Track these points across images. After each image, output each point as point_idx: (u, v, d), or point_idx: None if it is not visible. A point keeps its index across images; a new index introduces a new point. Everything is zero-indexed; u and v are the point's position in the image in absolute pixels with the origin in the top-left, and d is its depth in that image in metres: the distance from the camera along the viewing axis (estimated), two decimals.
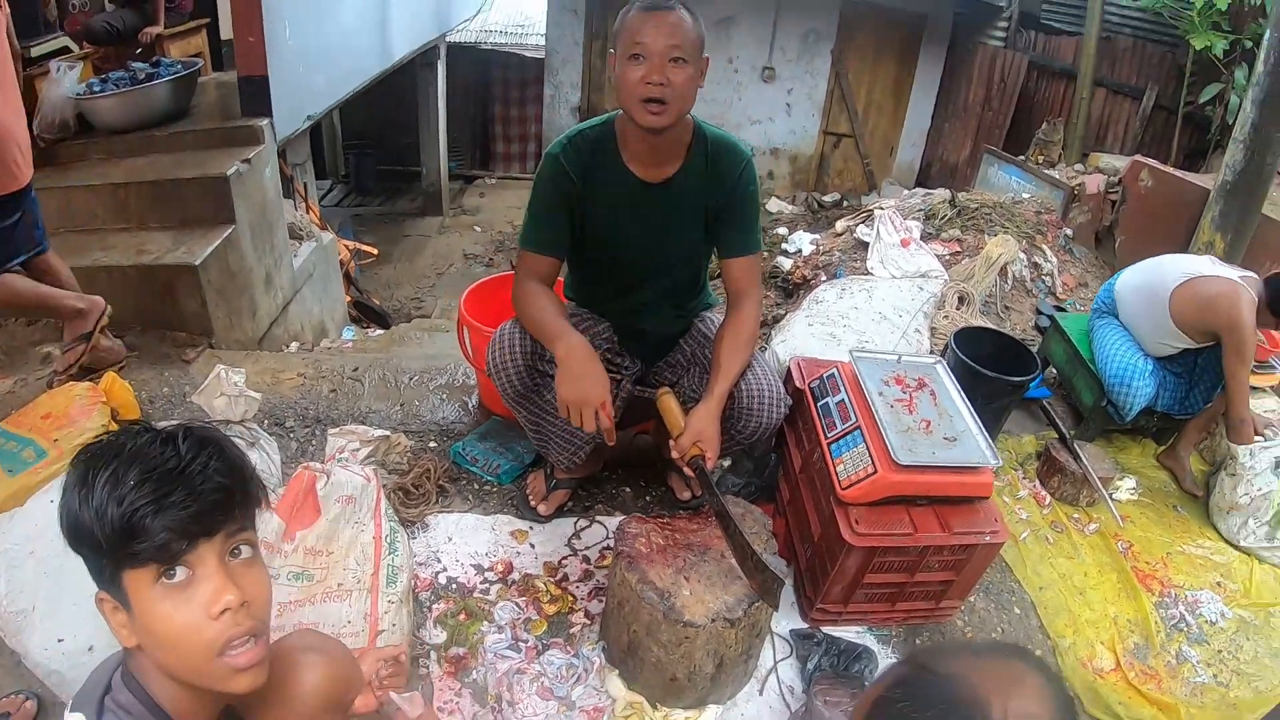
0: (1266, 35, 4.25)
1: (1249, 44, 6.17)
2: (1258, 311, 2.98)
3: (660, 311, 2.31)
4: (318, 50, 4.91)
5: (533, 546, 2.43)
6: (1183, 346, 3.20)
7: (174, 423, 1.08)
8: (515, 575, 2.32)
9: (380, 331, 5.33)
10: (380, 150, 10.77)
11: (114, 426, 2.71)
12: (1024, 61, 7.98)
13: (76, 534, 1.01)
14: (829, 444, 2.20)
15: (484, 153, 11.55)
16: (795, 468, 2.43)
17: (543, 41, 9.54)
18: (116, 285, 3.35)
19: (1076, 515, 3.05)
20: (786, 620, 2.27)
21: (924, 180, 9.14)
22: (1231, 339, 2.96)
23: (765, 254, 6.14)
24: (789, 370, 2.58)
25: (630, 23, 1.86)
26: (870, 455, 2.08)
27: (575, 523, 2.52)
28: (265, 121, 4.15)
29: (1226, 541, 3.05)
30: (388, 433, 2.57)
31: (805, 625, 2.29)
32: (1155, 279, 3.25)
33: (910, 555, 2.11)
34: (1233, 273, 3.11)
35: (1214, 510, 3.13)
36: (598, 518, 2.56)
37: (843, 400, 2.26)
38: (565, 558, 2.40)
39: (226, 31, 5.53)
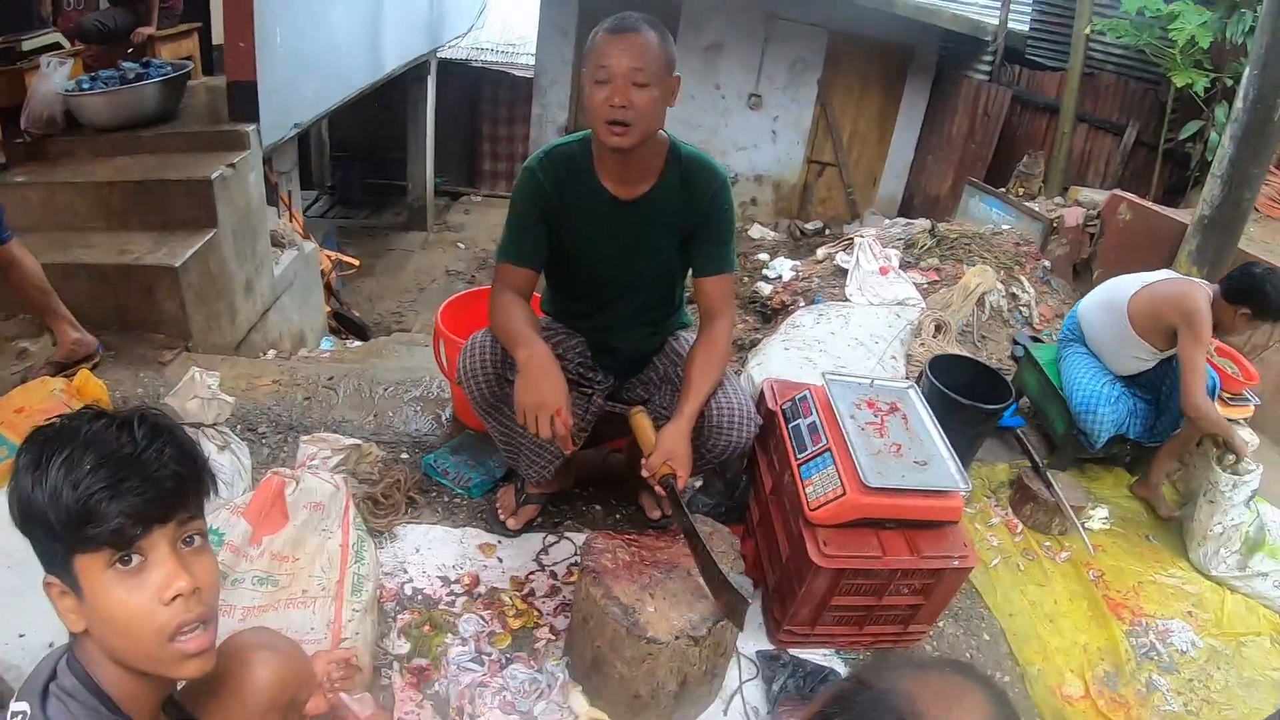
0: (1245, 73, 4.33)
1: (1230, 82, 6.24)
2: (1213, 303, 3.05)
3: (633, 328, 2.32)
4: (308, 58, 4.90)
5: (500, 560, 2.41)
6: (1148, 359, 3.25)
7: (129, 408, 1.08)
8: (481, 588, 2.30)
9: (359, 343, 5.30)
10: (367, 163, 10.71)
11: None
12: (1008, 95, 8.07)
13: (28, 516, 1.00)
14: (799, 465, 2.20)
15: (470, 170, 11.53)
16: (766, 489, 2.43)
17: (533, 61, 9.59)
18: (96, 284, 3.36)
19: (1048, 543, 3.06)
20: (753, 641, 2.27)
21: (906, 211, 9.20)
22: (1186, 325, 3.03)
23: (746, 279, 6.17)
24: (762, 391, 2.59)
25: (597, 44, 1.88)
26: (840, 477, 2.09)
27: (544, 538, 2.51)
28: (252, 127, 4.14)
29: (1198, 571, 3.07)
30: (359, 442, 2.56)
31: (772, 647, 2.28)
32: (1114, 293, 3.33)
33: (878, 578, 2.12)
34: (1190, 278, 3.22)
35: (1188, 536, 3.15)
36: (566, 534, 2.55)
37: (814, 422, 2.27)
38: (532, 573, 2.39)
39: (219, 35, 5.52)
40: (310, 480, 2.15)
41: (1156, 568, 3.07)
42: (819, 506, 2.08)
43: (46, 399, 2.67)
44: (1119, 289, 3.33)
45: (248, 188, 4.06)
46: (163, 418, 1.07)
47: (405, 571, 2.31)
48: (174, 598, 1.01)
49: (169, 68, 4.31)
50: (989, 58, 8.40)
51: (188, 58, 5.36)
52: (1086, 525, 3.13)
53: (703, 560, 1.90)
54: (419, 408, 3.08)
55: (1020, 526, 3.13)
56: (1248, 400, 3.57)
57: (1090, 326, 3.46)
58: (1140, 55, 7.10)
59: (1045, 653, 2.56)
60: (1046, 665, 2.52)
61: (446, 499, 2.61)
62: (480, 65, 10.51)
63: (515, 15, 13.03)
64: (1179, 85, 6.37)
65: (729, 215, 2.17)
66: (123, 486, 0.97)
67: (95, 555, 0.99)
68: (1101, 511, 3.25)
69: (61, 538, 0.98)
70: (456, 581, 2.31)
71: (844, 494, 2.05)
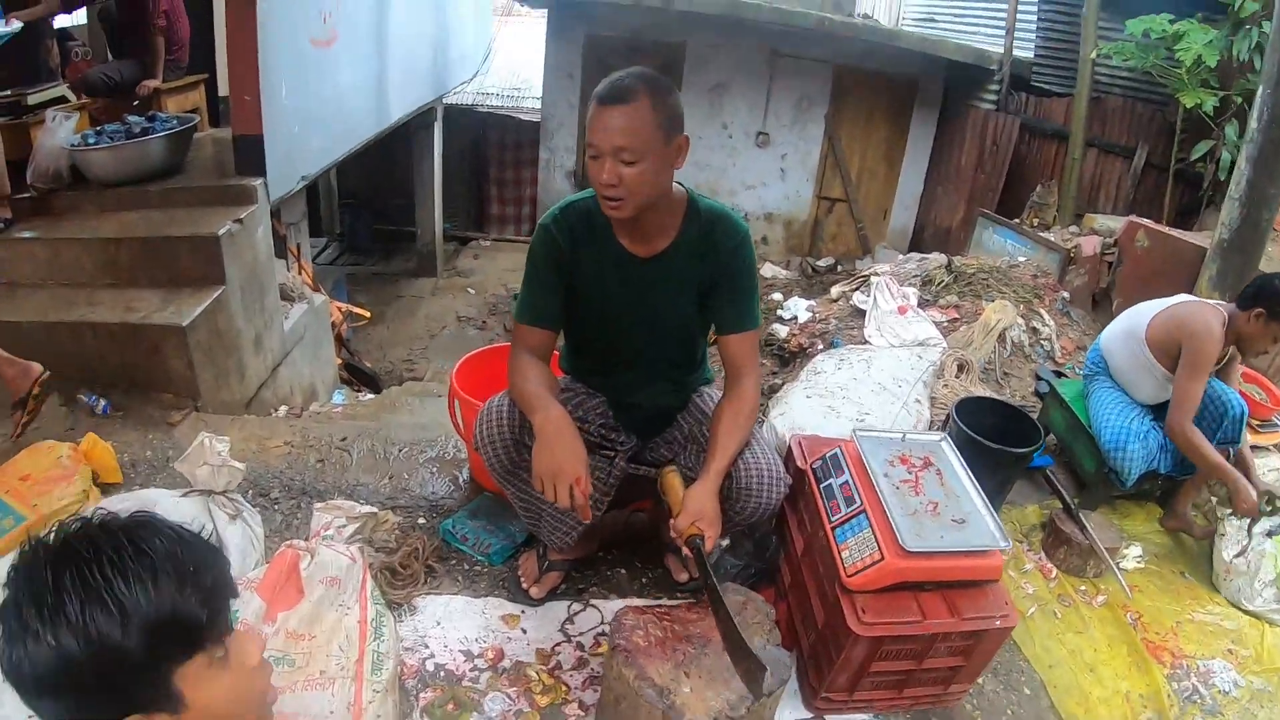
0: (1260, 93, 4.27)
1: (1239, 99, 6.23)
2: (1231, 321, 3.01)
3: (655, 386, 2.26)
4: (314, 111, 4.89)
5: (524, 632, 2.32)
6: (1168, 384, 3.17)
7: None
8: (506, 662, 2.22)
9: (371, 396, 5.26)
10: (375, 209, 10.79)
11: (94, 491, 2.64)
12: (1016, 124, 8.04)
13: (101, 662, 0.93)
14: (833, 528, 2.12)
15: (479, 214, 11.58)
16: (797, 550, 2.34)
17: (539, 104, 9.63)
18: (103, 342, 3.32)
19: (1084, 587, 2.97)
20: (789, 709, 2.17)
21: (917, 244, 9.17)
22: (1186, 346, 2.98)
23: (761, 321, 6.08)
24: (790, 448, 2.51)
25: (590, 115, 1.85)
26: (877, 541, 2.00)
27: (569, 606, 2.42)
28: (259, 181, 4.12)
29: (1234, 605, 2.98)
30: (375, 509, 2.49)
31: (809, 714, 2.19)
32: (1133, 320, 3.29)
33: (918, 642, 2.02)
34: (1208, 300, 3.17)
35: (1216, 576, 3.07)
36: (592, 601, 2.46)
37: (846, 482, 2.19)
38: (558, 644, 2.30)
39: (224, 87, 5.55)
40: (326, 553, 2.09)
41: (1194, 605, 2.97)
42: (856, 573, 1.99)
43: (53, 466, 2.63)
44: (1138, 316, 3.29)
45: (255, 243, 4.03)
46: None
47: (426, 646, 2.23)
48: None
49: (175, 121, 4.31)
50: (995, 86, 8.38)
51: (194, 110, 5.38)
52: (1121, 565, 3.04)
53: (724, 625, 1.82)
54: (435, 469, 3.01)
55: (1054, 571, 3.03)
56: (1277, 425, 3.51)
57: (1113, 357, 3.40)
58: (1147, 77, 7.07)
59: (1088, 704, 2.45)
60: (1089, 718, 2.42)
61: (466, 567, 2.53)
62: (486, 110, 10.56)
63: (519, 59, 13.17)
64: (1188, 106, 6.32)
65: (751, 270, 2.11)
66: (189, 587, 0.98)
67: (197, 658, 1.00)
68: (1135, 550, 3.17)
69: (153, 663, 0.96)
70: (480, 655, 2.22)
71: (882, 559, 1.97)
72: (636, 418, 2.29)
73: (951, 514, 2.12)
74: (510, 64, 12.82)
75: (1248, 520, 3.02)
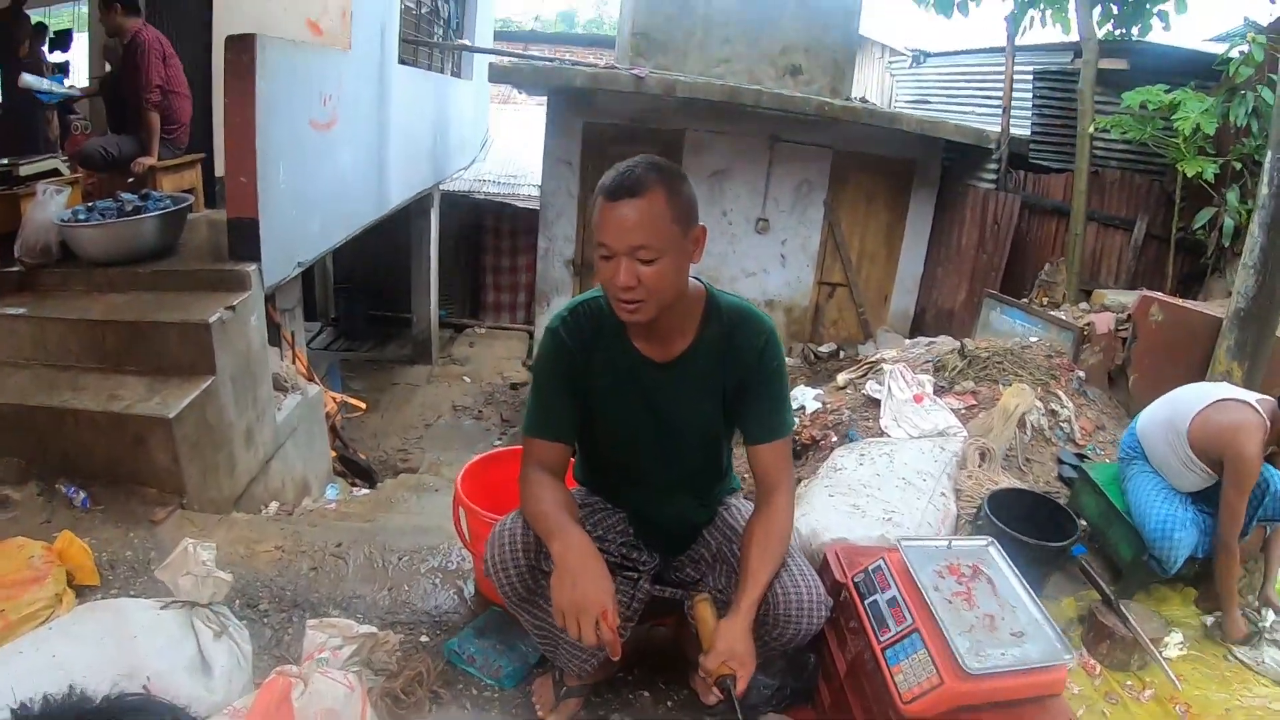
0: (1269, 157, 4.22)
1: (1238, 165, 6.26)
2: (1274, 420, 2.96)
3: (678, 500, 2.08)
4: (312, 195, 4.82)
5: None
6: (1210, 478, 3.10)
7: None
8: None
9: (366, 491, 5.05)
10: (371, 294, 10.78)
11: (69, 594, 2.45)
12: (1017, 202, 8.02)
13: None
14: (883, 649, 1.92)
15: (474, 302, 11.61)
16: (840, 670, 2.14)
17: (536, 191, 9.63)
18: (86, 431, 3.18)
19: (1129, 682, 2.82)
20: None
21: (919, 326, 9.07)
22: (1230, 467, 2.94)
23: None
24: (825, 559, 2.32)
25: (597, 213, 1.69)
26: (934, 663, 1.81)
27: None
28: (254, 267, 4.01)
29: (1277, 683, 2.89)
30: (374, 629, 2.27)
31: None
32: (1174, 412, 3.22)
33: None
34: (1249, 396, 3.08)
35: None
36: None
37: (894, 597, 2.01)
38: None
39: (222, 168, 5.52)
40: (320, 681, 1.89)
41: (1242, 690, 2.85)
42: (913, 699, 1.79)
43: (24, 567, 2.45)
44: (1179, 408, 3.18)
45: (248, 332, 3.90)
46: None
47: None
48: None
49: (168, 201, 4.23)
50: (993, 165, 8.41)
51: (190, 190, 5.26)
52: (1164, 655, 2.90)
53: None
54: (438, 580, 2.80)
55: (1098, 668, 2.87)
56: None
57: (1152, 446, 3.29)
58: (1143, 148, 7.08)
59: None
60: None
61: (475, 691, 2.30)
62: (483, 196, 10.61)
63: (517, 145, 13.32)
64: (1189, 174, 6.30)
65: (781, 371, 1.94)
66: None
67: None
68: (1177, 637, 3.04)
69: None
70: None
71: (942, 683, 1.77)
72: (659, 535, 2.11)
73: (1010, 628, 1.93)
74: (508, 150, 12.97)
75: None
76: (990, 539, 2.27)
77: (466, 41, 10.10)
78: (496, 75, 8.26)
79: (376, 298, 10.75)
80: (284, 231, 4.39)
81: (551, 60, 9.36)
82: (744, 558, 1.86)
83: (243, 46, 3.77)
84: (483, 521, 2.18)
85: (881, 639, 1.95)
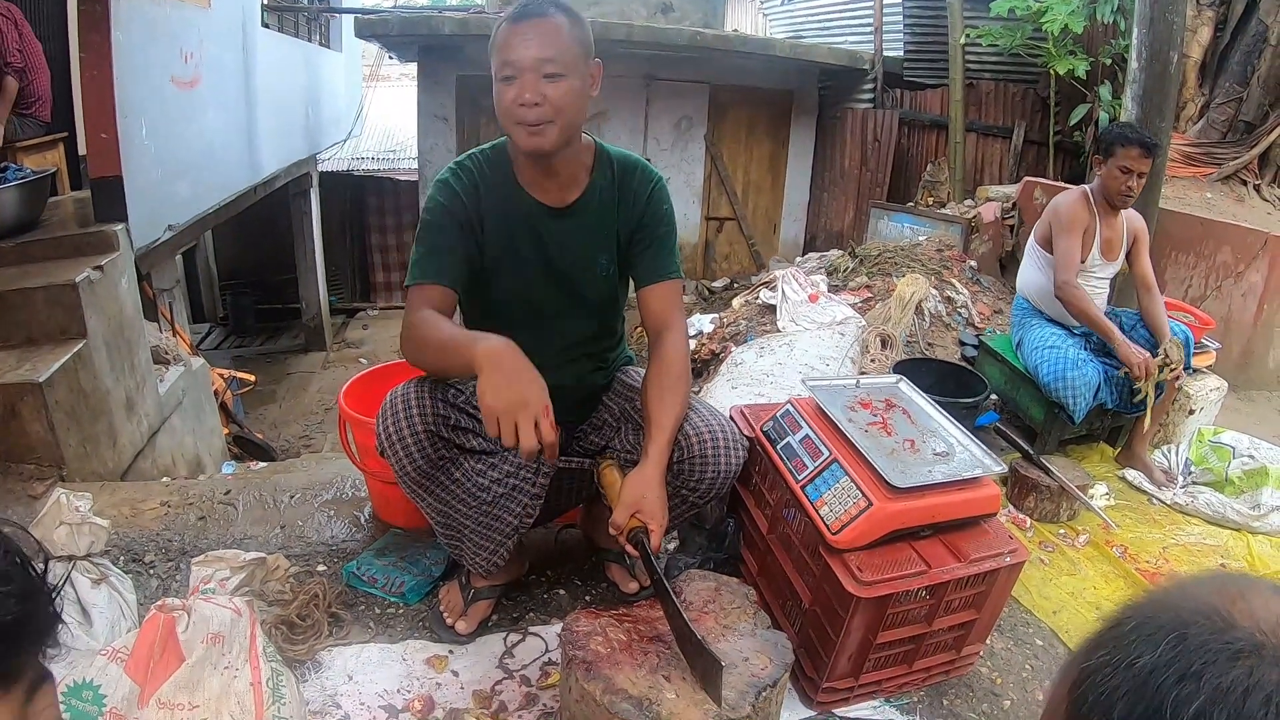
0: (1135, 34, 4.32)
1: (1107, 62, 6.46)
2: (1094, 187, 3.21)
3: (577, 362, 1.96)
4: (180, 155, 4.67)
5: (456, 674, 1.93)
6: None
7: None
8: (438, 712, 1.82)
9: (264, 464, 4.76)
10: (258, 289, 10.51)
11: None
12: (895, 117, 8.11)
13: None
14: (802, 487, 1.82)
15: (364, 284, 11.36)
16: (761, 529, 2.03)
17: (415, 164, 9.33)
18: None
19: (1062, 531, 2.90)
20: (789, 713, 1.84)
21: (810, 251, 9.12)
22: (1055, 217, 3.22)
23: None
24: (731, 418, 2.22)
25: (499, 39, 1.61)
26: (859, 487, 1.72)
27: (505, 638, 2.03)
28: (120, 226, 3.73)
29: (1211, 523, 3.02)
30: (264, 555, 2.07)
31: (812, 712, 1.86)
32: (1028, 246, 3.49)
33: (927, 599, 1.74)
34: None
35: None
36: (531, 629, 2.07)
37: (808, 435, 1.91)
38: (499, 682, 1.91)
39: (85, 146, 5.19)
40: (204, 608, 1.70)
41: (1174, 529, 2.98)
42: (841, 528, 1.69)
43: None
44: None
45: (119, 294, 3.62)
46: None
47: (339, 706, 1.81)
48: None
49: (28, 171, 3.86)
50: (869, 86, 8.47)
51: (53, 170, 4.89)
52: (1093, 503, 2.98)
53: (674, 621, 1.52)
54: (332, 512, 2.58)
55: (1028, 521, 2.93)
56: (1207, 346, 3.57)
57: (1027, 286, 3.48)
58: (1015, 59, 7.23)
59: None
60: None
61: (378, 610, 2.11)
62: (363, 173, 10.27)
63: (393, 123, 12.94)
64: (1061, 73, 6.46)
65: (670, 217, 1.90)
66: None
67: None
68: (1102, 488, 3.16)
69: None
70: (406, 709, 1.82)
71: (870, 505, 1.68)
72: (559, 403, 1.96)
73: (932, 448, 1.88)
74: (385, 126, 12.56)
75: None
76: (900, 375, 2.21)
77: (332, 2, 9.70)
78: (363, 30, 7.91)
79: (264, 291, 10.45)
80: (151, 190, 4.21)
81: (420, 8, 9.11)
82: (645, 407, 1.75)
83: None
84: (370, 433, 1.99)
85: (800, 476, 1.85)
